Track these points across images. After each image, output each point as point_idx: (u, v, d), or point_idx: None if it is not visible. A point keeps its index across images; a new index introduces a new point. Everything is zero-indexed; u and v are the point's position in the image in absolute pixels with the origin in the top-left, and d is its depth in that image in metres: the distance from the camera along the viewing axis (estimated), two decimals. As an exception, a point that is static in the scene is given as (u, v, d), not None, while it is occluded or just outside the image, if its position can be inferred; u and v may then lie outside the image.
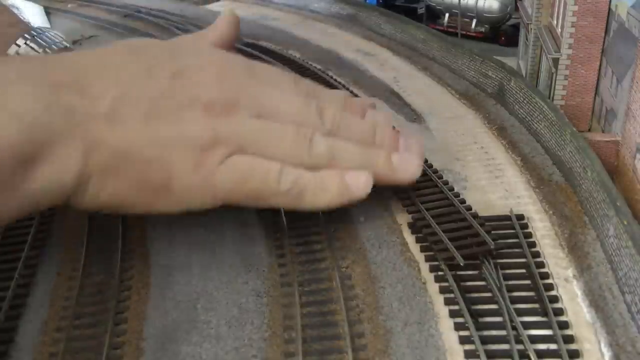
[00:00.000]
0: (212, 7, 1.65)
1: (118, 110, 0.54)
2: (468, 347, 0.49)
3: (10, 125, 0.49)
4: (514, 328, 0.50)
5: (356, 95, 0.92)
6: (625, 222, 0.56)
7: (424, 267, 0.59)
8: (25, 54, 0.69)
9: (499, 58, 1.00)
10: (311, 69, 1.07)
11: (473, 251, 0.58)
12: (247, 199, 0.59)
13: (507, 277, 0.56)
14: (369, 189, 0.61)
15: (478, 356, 0.48)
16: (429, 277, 0.57)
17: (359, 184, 0.61)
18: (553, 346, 0.49)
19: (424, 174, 0.71)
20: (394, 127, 0.75)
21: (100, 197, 0.54)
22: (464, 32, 2.26)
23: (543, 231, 0.63)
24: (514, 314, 0.51)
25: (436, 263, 0.58)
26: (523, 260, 0.58)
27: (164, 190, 0.55)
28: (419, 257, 0.60)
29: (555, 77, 1.07)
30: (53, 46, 0.72)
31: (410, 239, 0.63)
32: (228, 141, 0.56)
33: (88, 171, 0.52)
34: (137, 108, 0.54)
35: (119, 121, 0.53)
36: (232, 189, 0.57)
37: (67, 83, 0.53)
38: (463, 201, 0.66)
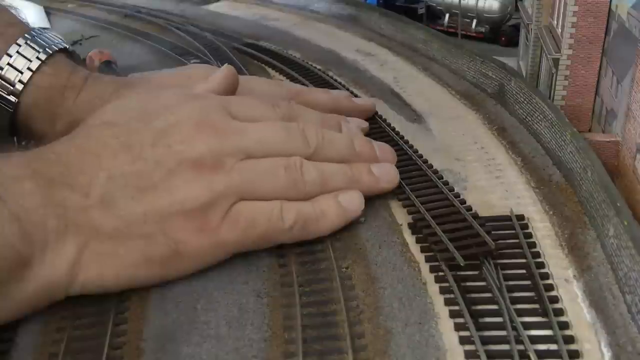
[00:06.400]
0: (212, 7, 1.65)
1: (108, 194, 0.52)
2: (468, 347, 0.49)
3: (11, 225, 0.47)
4: (514, 328, 0.49)
5: (356, 96, 0.92)
6: (626, 223, 0.55)
7: (424, 267, 0.58)
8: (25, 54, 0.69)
9: (499, 58, 0.99)
10: (311, 69, 1.07)
11: (473, 251, 0.58)
12: (255, 244, 0.58)
13: (507, 278, 0.55)
14: (362, 207, 0.63)
15: (478, 356, 0.47)
16: (429, 277, 0.57)
17: (354, 204, 0.62)
18: (553, 346, 0.48)
19: (424, 174, 0.71)
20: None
21: (104, 283, 0.52)
22: (464, 33, 2.26)
23: (543, 231, 0.63)
24: (514, 315, 0.51)
25: (436, 263, 0.58)
26: (523, 260, 0.58)
27: (172, 259, 0.54)
28: (420, 257, 0.60)
29: (556, 78, 1.07)
30: (53, 46, 0.71)
31: (410, 239, 0.62)
32: (225, 194, 0.55)
33: (85, 262, 0.51)
34: (125, 187, 0.52)
35: (111, 205, 0.52)
36: (239, 239, 0.56)
37: (57, 178, 0.51)
38: (463, 201, 0.66)
